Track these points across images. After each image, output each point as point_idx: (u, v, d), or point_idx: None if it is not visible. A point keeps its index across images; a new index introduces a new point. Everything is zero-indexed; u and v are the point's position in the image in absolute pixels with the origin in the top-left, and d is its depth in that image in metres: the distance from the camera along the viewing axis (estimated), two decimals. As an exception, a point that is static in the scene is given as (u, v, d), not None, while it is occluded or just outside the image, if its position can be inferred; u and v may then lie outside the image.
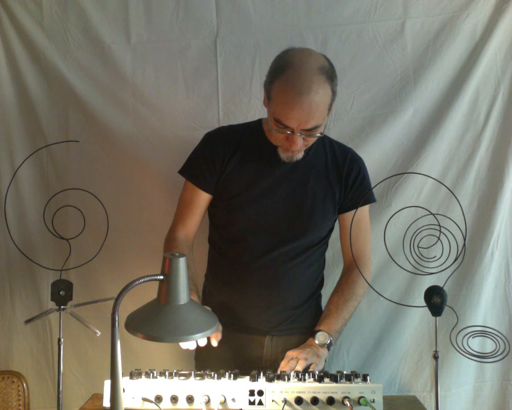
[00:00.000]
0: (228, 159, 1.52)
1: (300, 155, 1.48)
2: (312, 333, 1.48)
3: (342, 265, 1.68)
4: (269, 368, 1.33)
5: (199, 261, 1.65)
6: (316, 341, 1.45)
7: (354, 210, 1.53)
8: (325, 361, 1.47)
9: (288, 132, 1.36)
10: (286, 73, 1.33)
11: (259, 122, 1.60)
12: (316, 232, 1.56)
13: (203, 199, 1.55)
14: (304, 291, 1.58)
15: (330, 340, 1.45)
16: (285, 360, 1.37)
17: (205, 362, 1.55)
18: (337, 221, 1.62)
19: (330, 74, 1.35)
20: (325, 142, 1.59)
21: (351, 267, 1.59)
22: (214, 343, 1.32)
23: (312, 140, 1.45)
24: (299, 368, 1.32)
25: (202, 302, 1.58)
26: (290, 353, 1.40)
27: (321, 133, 1.39)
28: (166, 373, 1.26)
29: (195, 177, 1.55)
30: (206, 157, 1.53)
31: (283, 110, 1.33)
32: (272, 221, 1.52)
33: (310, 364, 1.37)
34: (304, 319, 1.58)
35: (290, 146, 1.40)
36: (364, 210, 1.60)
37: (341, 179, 1.56)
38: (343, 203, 1.57)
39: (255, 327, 1.53)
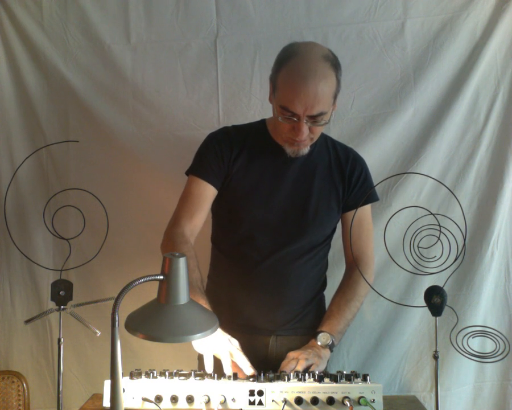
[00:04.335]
0: (234, 159, 1.51)
1: (306, 150, 1.48)
2: (314, 334, 1.48)
3: (343, 265, 1.68)
4: (274, 368, 1.33)
5: (201, 261, 1.64)
6: (318, 343, 1.44)
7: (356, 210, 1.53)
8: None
9: (295, 119, 1.36)
10: (292, 61, 1.35)
11: (263, 122, 1.59)
12: (321, 231, 1.56)
13: (210, 193, 1.52)
14: (309, 291, 1.58)
15: (332, 341, 1.45)
16: (286, 361, 1.37)
17: None
18: (339, 221, 1.62)
19: (334, 63, 1.37)
20: (327, 142, 1.60)
21: (353, 267, 1.58)
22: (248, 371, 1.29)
23: (317, 132, 1.44)
24: (299, 368, 1.32)
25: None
26: (291, 354, 1.40)
27: (326, 122, 1.39)
28: (166, 373, 1.25)
29: (204, 170, 1.51)
30: (215, 153, 1.51)
31: (289, 95, 1.34)
32: (278, 220, 1.51)
33: (311, 365, 1.37)
34: (309, 319, 1.57)
35: (296, 135, 1.39)
36: (366, 209, 1.60)
37: (344, 178, 1.56)
38: (346, 202, 1.57)
39: (260, 327, 1.53)
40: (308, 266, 1.55)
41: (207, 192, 1.51)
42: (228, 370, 1.26)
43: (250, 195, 1.51)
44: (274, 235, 1.51)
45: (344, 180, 1.56)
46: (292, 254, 1.52)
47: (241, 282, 1.54)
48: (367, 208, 1.61)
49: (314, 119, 1.37)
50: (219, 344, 1.30)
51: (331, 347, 1.45)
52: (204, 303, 1.36)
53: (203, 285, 1.48)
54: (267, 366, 1.33)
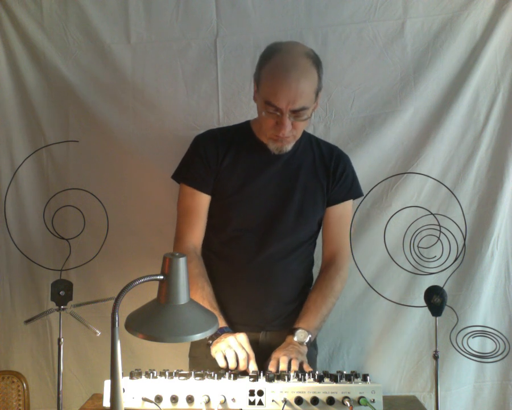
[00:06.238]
0: (222, 159, 1.55)
1: (289, 147, 1.51)
2: (291, 331, 1.49)
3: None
4: (264, 363, 1.35)
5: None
6: (295, 339, 1.46)
7: (337, 205, 1.60)
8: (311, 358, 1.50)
9: (278, 113, 1.40)
10: (274, 57, 1.40)
11: (248, 123, 1.63)
12: (308, 227, 1.59)
13: (205, 201, 1.57)
14: (297, 287, 1.61)
15: (309, 337, 1.47)
16: (274, 361, 1.37)
17: (198, 358, 1.58)
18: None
19: (316, 61, 1.42)
20: (312, 141, 1.64)
21: (329, 263, 1.62)
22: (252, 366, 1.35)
23: (299, 128, 1.47)
24: (295, 368, 1.33)
25: None
26: (276, 355, 1.40)
27: (308, 117, 1.43)
28: (166, 373, 1.26)
29: (195, 180, 1.55)
30: (201, 158, 1.55)
31: (271, 89, 1.38)
32: (265, 219, 1.55)
33: (302, 362, 1.37)
34: (297, 314, 1.59)
35: (279, 130, 1.42)
36: (348, 205, 1.63)
37: (328, 174, 1.60)
38: (330, 197, 1.60)
39: (250, 324, 1.55)
40: (296, 263, 1.59)
41: (203, 201, 1.56)
42: (232, 363, 1.32)
43: (236, 194, 1.54)
44: (262, 233, 1.54)
45: (329, 176, 1.59)
46: (280, 251, 1.56)
47: (230, 280, 1.57)
48: (349, 204, 1.63)
49: (296, 113, 1.40)
50: (225, 343, 1.36)
51: (307, 343, 1.47)
52: (221, 320, 1.43)
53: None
54: (258, 361, 1.35)
